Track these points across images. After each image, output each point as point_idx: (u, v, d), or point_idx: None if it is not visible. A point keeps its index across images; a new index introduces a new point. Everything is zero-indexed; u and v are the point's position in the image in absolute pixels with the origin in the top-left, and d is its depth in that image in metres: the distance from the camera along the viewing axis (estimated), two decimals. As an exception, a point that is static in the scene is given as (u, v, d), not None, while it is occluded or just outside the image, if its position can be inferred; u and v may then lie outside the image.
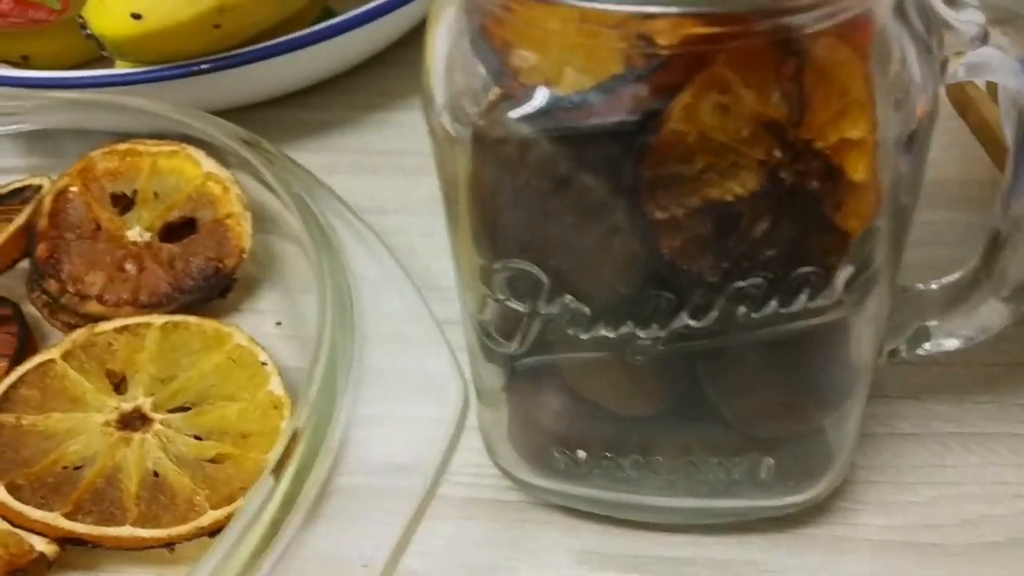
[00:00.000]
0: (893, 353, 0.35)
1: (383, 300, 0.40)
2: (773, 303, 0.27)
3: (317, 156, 0.52)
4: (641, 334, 0.28)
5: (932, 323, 0.35)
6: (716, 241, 0.26)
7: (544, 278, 0.27)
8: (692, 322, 0.27)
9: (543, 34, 0.24)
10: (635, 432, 0.32)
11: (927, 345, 0.35)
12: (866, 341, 0.31)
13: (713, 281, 0.27)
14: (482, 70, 0.26)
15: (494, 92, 0.26)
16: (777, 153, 0.25)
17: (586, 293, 0.28)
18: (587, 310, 0.28)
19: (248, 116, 0.53)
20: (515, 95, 0.25)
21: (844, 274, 0.27)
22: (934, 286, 0.35)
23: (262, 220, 0.45)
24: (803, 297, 0.27)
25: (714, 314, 0.27)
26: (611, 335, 0.28)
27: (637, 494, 0.33)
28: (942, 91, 0.27)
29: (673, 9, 0.22)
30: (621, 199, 0.26)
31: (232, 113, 0.52)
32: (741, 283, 0.27)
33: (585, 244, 0.27)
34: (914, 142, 0.26)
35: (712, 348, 0.29)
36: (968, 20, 0.27)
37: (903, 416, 0.39)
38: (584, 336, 0.28)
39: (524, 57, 0.25)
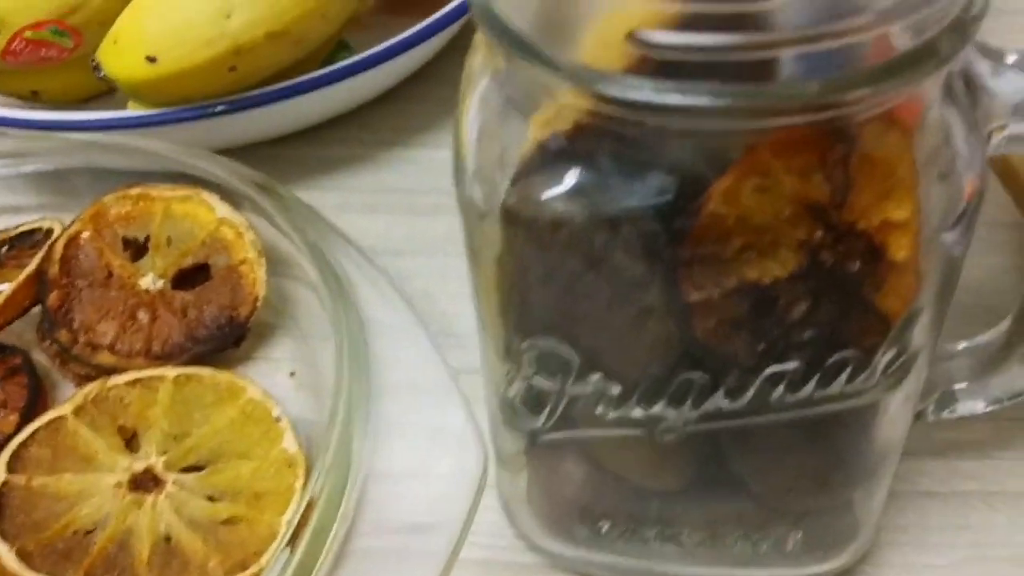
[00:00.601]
0: (919, 415, 0.35)
1: (397, 348, 0.40)
2: (810, 385, 0.26)
3: (331, 195, 0.52)
4: (672, 414, 0.27)
5: (960, 386, 0.34)
6: (753, 323, 0.25)
7: (574, 357, 0.27)
8: (726, 403, 0.27)
9: (581, 117, 0.24)
10: (660, 504, 0.31)
11: (956, 406, 0.35)
12: (901, 417, 0.30)
13: (749, 363, 0.26)
14: (516, 145, 0.25)
15: (528, 168, 0.25)
16: (818, 234, 0.24)
17: (617, 373, 0.27)
18: (617, 390, 0.27)
19: (262, 153, 0.52)
20: (549, 172, 0.25)
21: (885, 357, 0.26)
22: (962, 346, 0.35)
23: (276, 263, 0.45)
24: (842, 379, 0.26)
25: (749, 395, 0.27)
26: (641, 415, 0.27)
27: (660, 564, 0.33)
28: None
29: (721, 103, 0.21)
30: (656, 280, 0.25)
31: (246, 150, 0.52)
32: (778, 366, 0.26)
33: (618, 324, 0.26)
34: (961, 222, 0.26)
35: (742, 426, 0.28)
36: (1013, 89, 0.27)
37: (926, 473, 0.38)
38: (613, 415, 0.28)
39: (559, 136, 0.24)
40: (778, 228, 0.24)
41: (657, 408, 0.27)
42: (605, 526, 0.32)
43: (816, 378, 0.26)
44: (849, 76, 0.22)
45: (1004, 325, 0.34)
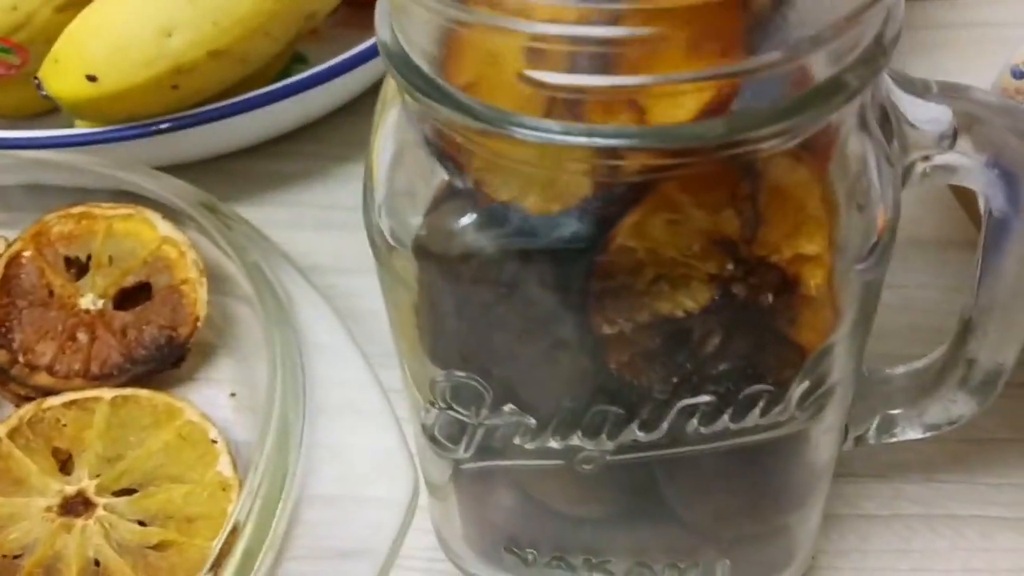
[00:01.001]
0: (860, 439, 0.34)
1: (334, 369, 0.39)
2: (725, 418, 0.26)
3: (283, 210, 0.52)
4: (589, 446, 0.27)
5: (898, 412, 0.34)
6: (666, 356, 0.25)
7: (487, 390, 0.26)
8: (642, 435, 0.26)
9: (491, 155, 0.23)
10: (587, 532, 0.31)
11: (896, 431, 0.34)
12: (826, 445, 0.30)
13: (662, 397, 0.26)
14: (426, 176, 0.25)
15: (438, 200, 0.25)
16: (729, 268, 0.24)
17: (531, 405, 0.27)
18: (532, 421, 0.27)
19: (213, 168, 0.52)
20: (461, 205, 0.24)
21: (799, 389, 0.26)
22: (901, 371, 0.35)
23: (220, 281, 0.44)
24: (756, 412, 0.26)
25: (664, 428, 0.26)
26: (557, 446, 0.27)
27: (590, 591, 0.32)
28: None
29: (625, 144, 0.21)
30: (568, 313, 0.25)
31: (196, 166, 0.51)
32: (692, 399, 0.26)
33: (530, 357, 0.26)
34: (874, 253, 0.25)
35: (665, 455, 0.28)
36: (935, 119, 0.26)
37: (869, 496, 0.38)
38: (531, 445, 0.27)
39: (470, 172, 0.24)
40: (688, 262, 0.24)
41: (574, 439, 0.27)
42: (533, 554, 0.32)
43: (730, 411, 0.26)
44: (754, 115, 0.21)
45: (940, 351, 0.33)
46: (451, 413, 0.27)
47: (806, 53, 0.21)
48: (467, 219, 0.24)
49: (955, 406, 0.33)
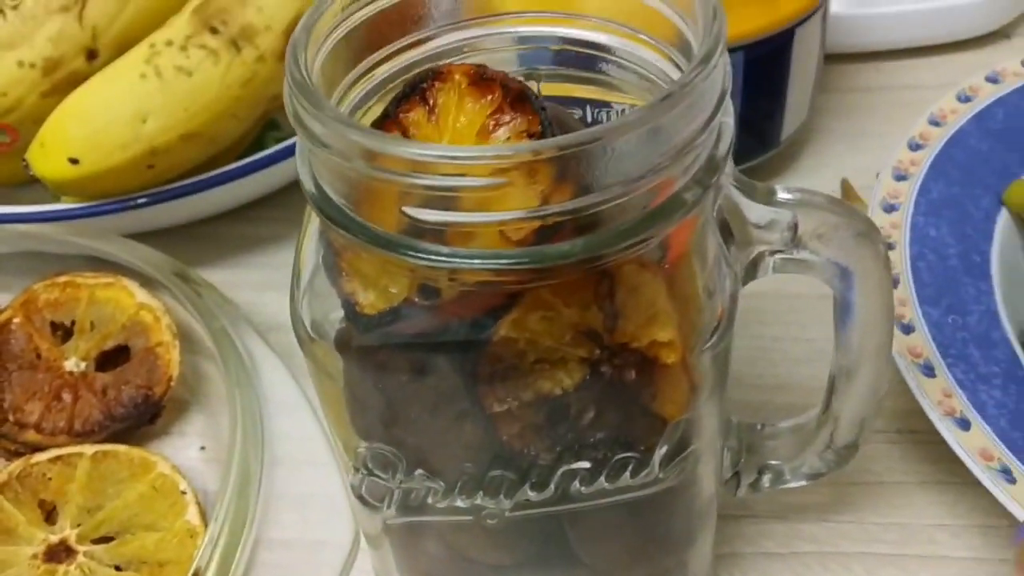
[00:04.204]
0: (754, 486, 0.39)
1: (290, 424, 0.44)
2: (601, 479, 0.31)
3: (250, 272, 0.56)
4: (490, 504, 0.31)
5: (784, 462, 0.38)
6: (549, 429, 0.30)
7: (400, 458, 0.31)
8: (533, 495, 0.31)
9: (368, 266, 0.28)
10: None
11: (786, 479, 0.39)
12: (702, 494, 0.34)
13: (547, 463, 0.30)
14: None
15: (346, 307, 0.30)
16: (596, 353, 0.28)
17: (439, 470, 0.31)
18: (441, 484, 0.31)
19: (188, 233, 0.56)
20: (358, 312, 0.29)
21: (660, 455, 0.30)
22: (786, 425, 0.39)
23: (192, 342, 0.49)
24: (627, 475, 0.31)
25: (551, 489, 0.31)
26: (464, 505, 0.31)
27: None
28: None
29: (499, 265, 0.25)
30: (464, 393, 0.29)
31: (172, 231, 0.56)
32: (572, 464, 0.30)
33: (432, 431, 0.30)
34: (715, 334, 0.30)
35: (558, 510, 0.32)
36: (776, 222, 0.31)
37: (769, 535, 0.42)
38: (442, 504, 0.32)
39: (356, 281, 0.28)
40: (562, 348, 0.28)
41: (477, 499, 0.31)
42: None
43: (605, 474, 0.30)
44: (604, 236, 0.26)
45: (818, 407, 0.38)
46: (372, 478, 0.32)
47: (619, 196, 0.25)
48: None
49: (829, 456, 0.38)
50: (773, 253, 0.31)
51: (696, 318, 0.29)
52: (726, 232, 0.30)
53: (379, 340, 0.29)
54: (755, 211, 0.30)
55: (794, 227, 0.31)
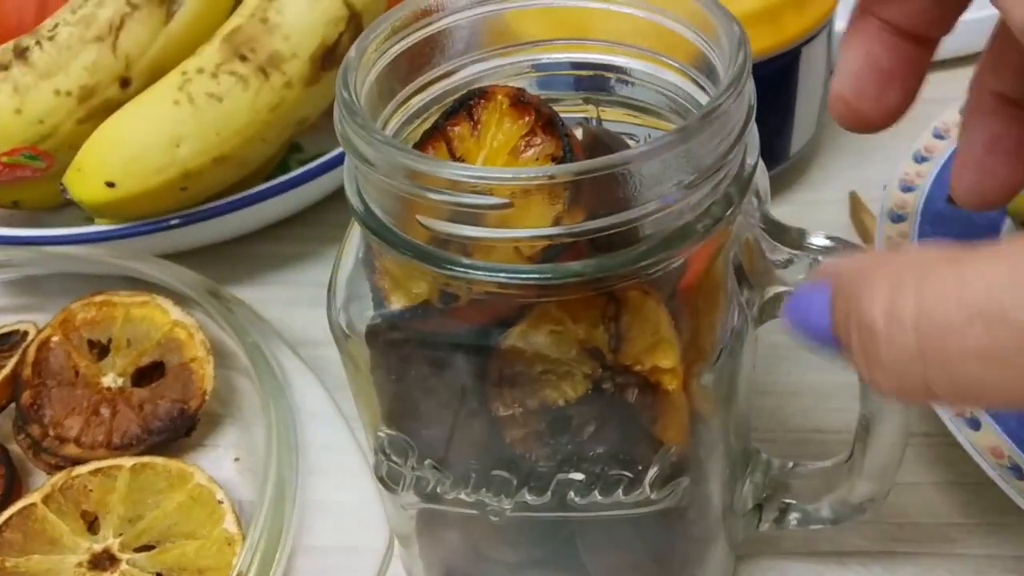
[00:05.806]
0: (779, 523, 0.39)
1: (323, 434, 0.46)
2: (595, 493, 0.32)
3: (282, 289, 0.58)
4: (492, 502, 0.33)
5: (808, 504, 0.39)
6: (550, 437, 0.31)
7: (412, 446, 0.33)
8: (531, 499, 0.32)
9: (397, 268, 0.30)
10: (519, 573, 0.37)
11: (808, 519, 0.39)
12: (705, 521, 0.35)
13: (546, 470, 0.32)
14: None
15: (376, 303, 0.31)
16: (599, 370, 0.30)
17: (446, 464, 0.33)
18: (448, 476, 0.33)
19: (219, 253, 0.58)
20: (386, 308, 0.31)
21: (650, 475, 0.32)
22: (812, 468, 0.39)
23: (224, 356, 0.51)
24: (619, 492, 0.32)
25: (548, 495, 0.32)
26: (469, 499, 0.33)
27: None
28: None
29: (514, 279, 0.27)
30: (471, 396, 0.31)
31: (203, 251, 0.57)
32: (568, 474, 0.32)
33: (443, 425, 0.32)
34: (717, 363, 0.31)
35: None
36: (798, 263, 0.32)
37: (788, 536, 0.42)
38: (449, 496, 0.34)
39: (386, 279, 0.30)
40: (567, 362, 0.30)
41: (481, 495, 0.33)
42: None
43: (599, 488, 0.32)
44: (617, 259, 0.27)
45: (845, 453, 0.37)
46: (390, 462, 0.34)
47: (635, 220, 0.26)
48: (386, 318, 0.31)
49: (854, 497, 0.38)
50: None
51: (701, 348, 0.31)
52: (739, 270, 0.31)
53: (401, 334, 0.31)
54: (779, 252, 0.32)
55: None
